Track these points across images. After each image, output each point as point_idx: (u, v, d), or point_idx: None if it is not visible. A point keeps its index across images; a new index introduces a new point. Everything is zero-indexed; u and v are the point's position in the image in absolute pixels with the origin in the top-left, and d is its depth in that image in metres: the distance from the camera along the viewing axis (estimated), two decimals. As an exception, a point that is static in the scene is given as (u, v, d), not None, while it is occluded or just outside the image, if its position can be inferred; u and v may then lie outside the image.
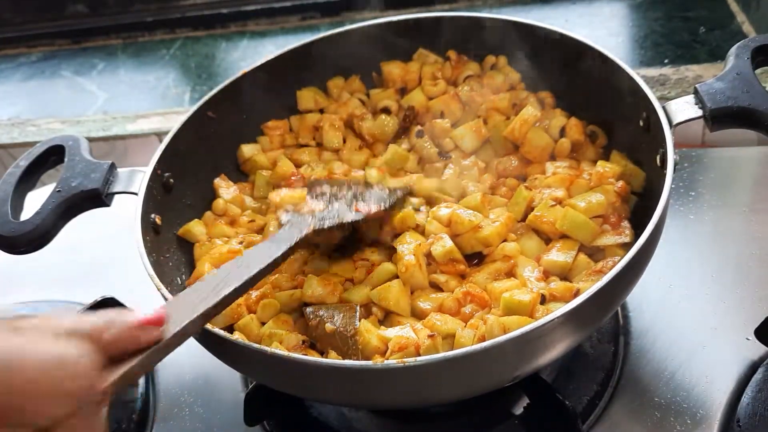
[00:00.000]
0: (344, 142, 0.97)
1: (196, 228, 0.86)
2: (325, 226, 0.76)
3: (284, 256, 0.70)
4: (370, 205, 0.80)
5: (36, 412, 0.38)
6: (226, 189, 0.91)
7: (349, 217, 0.77)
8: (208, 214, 0.89)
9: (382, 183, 0.87)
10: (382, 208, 0.80)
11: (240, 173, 0.97)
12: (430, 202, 0.85)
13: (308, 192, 0.83)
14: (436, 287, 0.77)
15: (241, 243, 0.83)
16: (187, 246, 0.86)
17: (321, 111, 1.00)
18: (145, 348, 0.49)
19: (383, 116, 0.96)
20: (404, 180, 0.87)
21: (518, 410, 0.78)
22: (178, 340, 0.54)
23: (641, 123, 0.80)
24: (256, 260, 0.66)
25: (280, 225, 0.77)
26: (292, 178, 0.90)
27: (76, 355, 0.40)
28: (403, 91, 1.01)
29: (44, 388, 0.38)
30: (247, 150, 0.95)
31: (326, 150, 0.97)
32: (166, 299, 0.69)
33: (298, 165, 0.95)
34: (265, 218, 0.89)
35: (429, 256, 0.77)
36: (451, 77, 0.99)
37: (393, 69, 1.00)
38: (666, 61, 1.21)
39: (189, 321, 0.55)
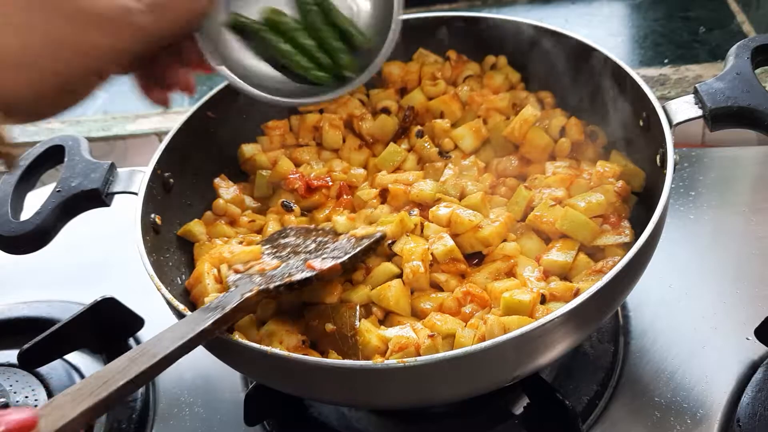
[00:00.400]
0: (344, 141, 0.97)
1: (196, 228, 0.86)
2: (271, 287, 0.68)
3: (210, 330, 0.62)
4: (327, 261, 0.72)
5: None
6: (226, 189, 0.91)
7: (299, 276, 0.70)
8: (208, 214, 0.89)
9: (350, 231, 0.79)
10: (342, 260, 0.72)
11: (240, 173, 0.97)
12: (426, 204, 0.84)
13: (266, 245, 0.78)
14: (436, 287, 0.77)
15: (241, 243, 0.84)
16: (187, 246, 0.86)
17: (321, 111, 1.00)
18: None
19: (383, 116, 0.96)
20: (372, 228, 0.80)
21: (518, 410, 0.78)
22: None
23: (641, 123, 0.80)
24: (169, 340, 0.60)
25: (227, 288, 0.72)
26: (291, 176, 0.90)
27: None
28: (402, 92, 1.01)
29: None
30: (248, 150, 0.96)
31: (326, 149, 0.97)
32: (166, 299, 0.69)
33: (298, 164, 0.95)
34: (264, 218, 0.89)
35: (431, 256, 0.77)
36: (451, 77, 0.99)
37: (393, 69, 1.00)
38: (666, 60, 1.21)
39: (74, 415, 0.51)
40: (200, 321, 0.63)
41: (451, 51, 0.99)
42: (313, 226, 0.86)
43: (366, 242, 0.76)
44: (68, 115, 1.42)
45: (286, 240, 0.80)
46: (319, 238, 0.79)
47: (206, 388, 0.88)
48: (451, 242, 0.76)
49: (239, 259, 0.76)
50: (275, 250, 0.78)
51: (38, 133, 1.38)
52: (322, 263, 0.72)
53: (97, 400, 0.53)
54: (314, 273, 0.71)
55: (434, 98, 0.97)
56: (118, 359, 0.57)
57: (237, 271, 0.74)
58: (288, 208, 0.88)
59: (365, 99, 1.01)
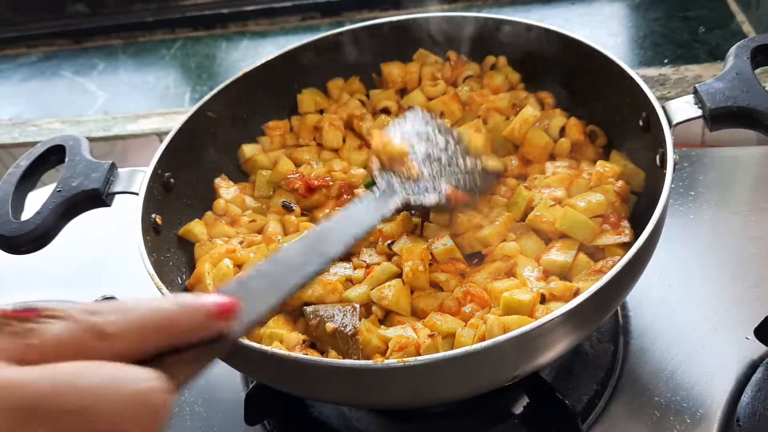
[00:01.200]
0: (344, 141, 0.97)
1: (196, 228, 0.86)
2: (421, 203, 0.70)
3: (366, 233, 0.64)
4: (469, 189, 0.74)
5: None
6: (227, 189, 0.91)
7: (434, 199, 0.71)
8: (208, 214, 0.89)
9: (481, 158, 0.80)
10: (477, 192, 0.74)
11: (240, 173, 0.97)
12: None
13: (412, 136, 0.76)
14: (436, 286, 0.77)
15: (241, 243, 0.84)
16: (187, 246, 0.86)
17: (321, 112, 1.00)
18: (212, 341, 0.40)
19: (383, 116, 0.97)
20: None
21: (518, 409, 0.79)
22: (246, 332, 0.45)
23: (641, 123, 0.80)
24: (338, 238, 0.59)
25: (371, 184, 0.72)
26: (291, 176, 0.91)
27: (152, 381, 0.34)
28: (402, 92, 1.01)
29: (126, 425, 0.33)
30: (248, 150, 0.96)
31: (326, 149, 0.97)
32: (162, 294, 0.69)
33: (298, 164, 0.95)
34: (265, 218, 0.89)
35: (430, 255, 0.77)
36: (451, 78, 0.99)
37: (393, 69, 1.00)
38: (666, 60, 1.21)
39: (264, 309, 0.46)
40: (369, 217, 0.63)
41: (451, 51, 0.99)
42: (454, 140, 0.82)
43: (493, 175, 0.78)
44: (69, 115, 1.42)
45: (426, 143, 0.77)
46: (456, 154, 0.78)
47: (207, 388, 0.88)
48: (450, 242, 0.76)
49: (388, 153, 0.74)
50: (418, 146, 0.76)
51: (39, 134, 1.39)
52: (455, 192, 0.73)
53: (280, 295, 0.49)
54: (448, 201, 0.72)
55: (434, 98, 0.97)
56: (291, 248, 0.54)
57: (382, 164, 0.73)
58: (288, 208, 0.88)
59: (365, 99, 1.01)
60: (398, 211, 0.70)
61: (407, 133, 0.78)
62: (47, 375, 0.31)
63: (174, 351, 0.38)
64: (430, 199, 0.71)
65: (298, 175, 0.90)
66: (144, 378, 0.33)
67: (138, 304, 0.36)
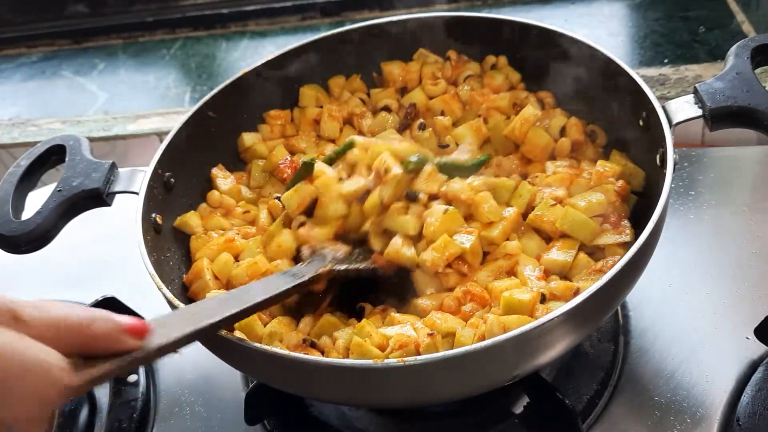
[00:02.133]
0: (341, 132, 0.98)
1: (192, 219, 0.86)
2: (341, 268, 0.75)
3: (291, 291, 0.70)
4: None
5: (3, 414, 0.37)
6: (224, 180, 0.91)
7: (363, 265, 0.77)
8: (203, 206, 0.89)
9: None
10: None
11: (238, 161, 0.97)
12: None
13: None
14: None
15: (237, 234, 0.84)
16: (187, 246, 0.86)
17: (321, 107, 1.00)
18: (121, 354, 0.47)
19: (384, 113, 0.97)
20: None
21: (518, 409, 0.79)
22: (156, 355, 0.52)
23: (641, 122, 0.80)
24: (260, 291, 0.67)
25: (301, 260, 0.78)
26: (281, 164, 0.91)
27: (57, 360, 0.39)
28: (403, 91, 1.01)
29: (19, 392, 0.37)
30: (248, 138, 0.96)
31: (324, 140, 0.97)
32: (167, 298, 0.69)
33: (294, 152, 0.95)
34: (257, 209, 0.89)
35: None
36: (452, 77, 0.99)
37: (393, 69, 1.00)
38: (666, 60, 1.21)
39: (177, 337, 0.54)
40: (284, 282, 0.70)
41: (451, 51, 1.00)
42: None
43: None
44: (69, 115, 1.42)
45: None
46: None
47: (207, 388, 0.88)
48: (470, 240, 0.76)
49: (315, 238, 0.81)
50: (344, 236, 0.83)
51: (39, 133, 1.39)
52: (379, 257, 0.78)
53: (196, 328, 0.56)
54: (375, 266, 0.77)
55: (435, 98, 0.97)
56: (207, 300, 0.63)
57: (312, 249, 0.80)
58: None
59: (366, 98, 1.01)
60: (339, 275, 0.76)
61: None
62: None
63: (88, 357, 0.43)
64: (355, 264, 0.77)
65: (288, 161, 0.91)
66: (50, 354, 0.37)
67: (57, 306, 0.41)
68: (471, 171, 0.84)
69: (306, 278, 0.72)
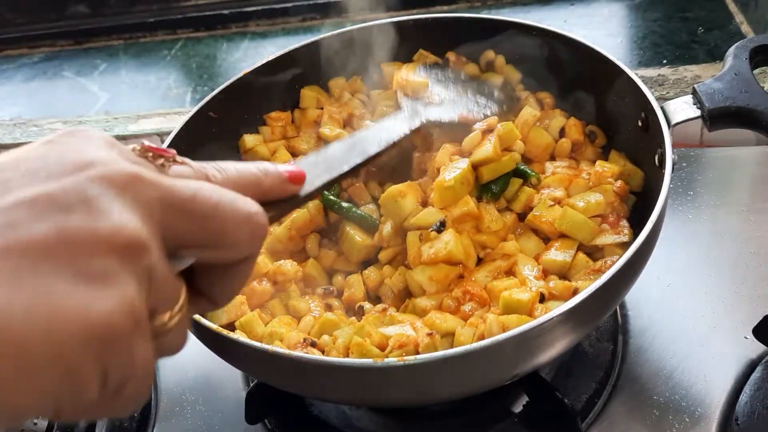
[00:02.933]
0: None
1: None
2: (440, 121, 0.81)
3: (400, 140, 0.73)
4: (480, 112, 0.86)
5: (227, 251, 0.41)
6: None
7: (452, 116, 0.83)
8: None
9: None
10: (491, 111, 0.86)
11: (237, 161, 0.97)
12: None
13: (431, 77, 0.90)
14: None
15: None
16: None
17: (321, 108, 1.01)
18: (283, 201, 0.51)
19: (383, 110, 0.97)
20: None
21: (517, 408, 0.79)
22: (306, 201, 0.56)
23: (640, 123, 0.80)
24: (375, 140, 0.69)
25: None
26: None
27: (261, 213, 0.43)
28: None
29: (234, 234, 0.40)
30: (249, 140, 0.96)
31: (324, 140, 0.98)
32: None
33: (295, 154, 0.96)
34: None
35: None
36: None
37: (393, 70, 1.01)
38: (664, 61, 1.21)
39: (319, 185, 0.56)
40: (394, 129, 0.73)
41: (450, 53, 1.00)
42: (466, 78, 0.96)
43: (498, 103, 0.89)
44: (70, 116, 1.43)
45: (445, 74, 0.93)
46: (472, 88, 0.92)
47: (208, 387, 0.88)
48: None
49: (412, 87, 0.88)
50: (438, 84, 0.90)
51: (40, 134, 1.39)
52: (469, 114, 0.85)
53: (331, 177, 0.58)
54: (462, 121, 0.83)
55: (434, 100, 0.97)
56: (335, 145, 0.64)
57: (406, 95, 0.86)
58: None
59: (366, 99, 1.01)
60: (424, 126, 0.80)
61: (425, 73, 0.92)
62: (191, 185, 0.39)
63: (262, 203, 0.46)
64: (447, 116, 0.83)
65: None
66: (249, 203, 0.42)
67: (231, 166, 0.45)
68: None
69: (418, 124, 0.77)
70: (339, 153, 0.63)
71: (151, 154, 0.41)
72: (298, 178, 0.51)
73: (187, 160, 0.43)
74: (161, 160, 0.41)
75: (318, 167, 0.59)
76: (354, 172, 0.64)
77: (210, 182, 0.42)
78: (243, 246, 0.41)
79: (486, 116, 0.84)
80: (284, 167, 0.50)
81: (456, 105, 0.87)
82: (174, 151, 0.42)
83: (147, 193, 0.36)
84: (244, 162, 0.48)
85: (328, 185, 0.58)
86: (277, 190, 0.49)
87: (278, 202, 0.50)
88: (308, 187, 0.54)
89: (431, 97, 0.86)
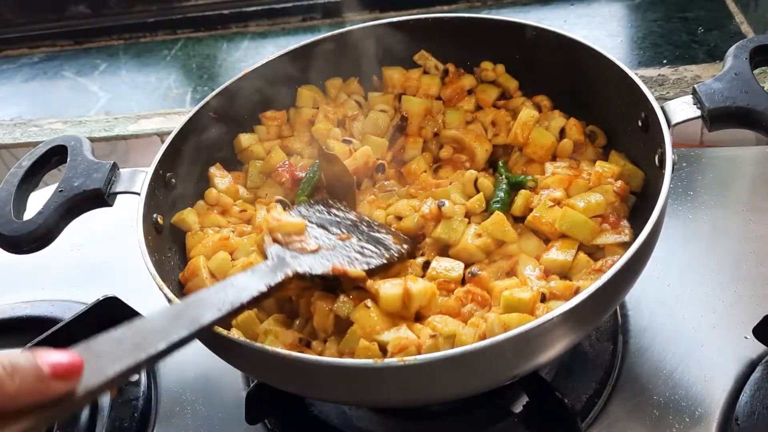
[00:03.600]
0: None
1: (189, 216, 0.86)
2: (308, 275, 0.69)
3: (253, 302, 0.63)
4: (363, 262, 0.74)
5: None
6: (221, 179, 0.92)
7: (324, 271, 0.71)
8: (200, 203, 0.89)
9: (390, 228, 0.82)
10: (367, 269, 0.73)
11: (235, 161, 0.97)
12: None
13: (311, 219, 0.78)
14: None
15: (232, 232, 0.84)
16: (183, 239, 0.86)
17: (317, 108, 1.01)
18: (47, 405, 0.38)
19: (377, 113, 0.97)
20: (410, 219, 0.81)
21: (518, 408, 0.79)
22: (91, 398, 0.43)
23: (640, 123, 0.80)
24: (215, 304, 0.58)
25: (264, 257, 0.72)
26: (279, 169, 0.91)
27: None
28: (401, 98, 1.01)
29: None
30: (245, 139, 0.96)
31: (317, 141, 0.98)
32: (168, 298, 0.69)
33: (290, 153, 0.96)
34: (254, 208, 0.90)
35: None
36: (447, 96, 0.99)
37: (393, 74, 1.01)
38: (664, 61, 1.21)
39: (113, 374, 0.44)
40: (246, 288, 0.62)
41: (450, 64, 1.00)
42: (358, 218, 0.83)
43: (404, 248, 0.78)
44: (70, 115, 1.43)
45: (325, 219, 0.79)
46: (357, 232, 0.79)
47: (208, 387, 0.88)
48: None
49: (284, 230, 0.74)
50: (318, 227, 0.77)
51: (41, 134, 1.39)
52: (349, 266, 0.73)
53: (134, 361, 0.46)
54: (338, 275, 0.71)
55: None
56: (157, 316, 0.53)
57: (276, 241, 0.72)
58: (284, 205, 0.89)
59: (362, 101, 1.01)
60: (291, 279, 0.68)
61: (303, 215, 0.80)
62: None
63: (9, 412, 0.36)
64: (319, 267, 0.71)
65: (286, 165, 0.91)
66: None
67: None
68: None
69: (265, 289, 0.64)
70: (160, 323, 0.51)
71: None
72: (69, 372, 0.38)
73: None
74: None
75: (121, 345, 0.46)
76: (177, 346, 0.51)
77: None
78: None
79: (368, 268, 0.73)
80: (48, 357, 0.37)
81: (335, 253, 0.74)
82: None
83: None
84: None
85: (132, 371, 0.45)
86: (34, 393, 0.36)
87: (42, 407, 0.37)
88: (96, 378, 0.41)
89: (306, 243, 0.73)
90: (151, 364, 0.49)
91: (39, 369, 0.37)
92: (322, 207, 0.83)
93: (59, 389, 0.38)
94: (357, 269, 0.72)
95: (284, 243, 0.72)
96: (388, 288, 0.70)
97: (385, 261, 0.76)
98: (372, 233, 0.80)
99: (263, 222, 0.76)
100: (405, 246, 0.79)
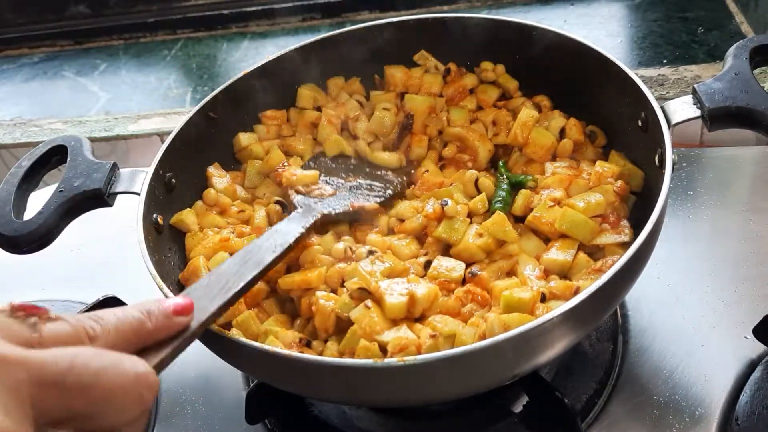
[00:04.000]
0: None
1: (189, 217, 0.86)
2: (333, 213, 0.82)
3: (296, 243, 0.74)
4: (375, 197, 0.88)
5: (113, 417, 0.39)
6: (220, 179, 0.91)
7: (343, 209, 0.85)
8: (198, 204, 0.89)
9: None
10: (386, 196, 0.88)
11: (235, 161, 0.97)
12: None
13: (321, 173, 0.90)
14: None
15: (232, 233, 0.84)
16: (183, 240, 0.86)
17: (318, 109, 1.01)
18: (174, 337, 0.49)
19: (383, 112, 0.97)
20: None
21: (518, 408, 0.79)
22: (202, 329, 0.54)
23: (640, 123, 0.80)
24: (269, 248, 0.69)
25: (291, 206, 0.85)
26: (278, 169, 0.91)
27: (148, 372, 0.41)
28: (404, 97, 1.01)
29: (121, 400, 0.39)
30: (244, 139, 0.96)
31: (320, 144, 0.98)
32: (166, 296, 0.69)
33: (290, 153, 0.96)
34: (252, 208, 0.90)
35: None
36: (449, 95, 0.99)
37: (396, 73, 1.00)
38: (664, 61, 1.21)
39: (214, 309, 0.56)
40: (289, 231, 0.75)
41: (452, 63, 1.00)
42: (357, 162, 0.95)
43: (397, 185, 0.90)
44: (70, 116, 1.43)
45: (336, 169, 0.92)
46: (365, 174, 0.92)
47: (208, 387, 0.88)
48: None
49: (302, 182, 0.88)
50: (328, 176, 0.91)
51: (41, 134, 1.39)
52: (364, 201, 0.87)
53: (226, 298, 0.58)
54: (369, 205, 0.86)
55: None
56: (230, 263, 0.64)
57: (299, 192, 0.87)
58: (283, 206, 0.89)
59: (364, 101, 1.01)
60: (318, 221, 0.81)
61: (313, 168, 0.93)
62: (66, 355, 0.37)
63: (151, 345, 0.47)
64: (340, 207, 0.85)
65: (286, 167, 0.91)
66: (136, 363, 0.41)
67: (110, 313, 0.44)
68: None
69: (309, 225, 0.77)
70: (232, 268, 0.63)
71: (22, 314, 0.39)
72: (185, 310, 0.50)
73: (62, 315, 0.41)
74: (33, 319, 0.39)
75: (211, 289, 0.58)
76: (252, 284, 0.64)
77: (89, 341, 0.41)
78: (131, 410, 0.40)
79: (380, 201, 0.87)
80: (169, 301, 0.49)
81: (349, 194, 0.88)
82: (46, 309, 0.41)
83: (13, 374, 0.34)
84: (125, 307, 0.47)
85: (225, 306, 0.58)
86: (165, 328, 0.48)
87: (171, 339, 0.49)
88: (202, 315, 0.54)
89: (323, 189, 0.87)
90: (235, 300, 0.61)
91: (165, 309, 0.48)
92: (325, 159, 0.94)
93: (182, 323, 0.49)
94: (372, 203, 0.86)
95: (305, 193, 0.86)
96: (395, 298, 0.70)
97: (391, 192, 0.89)
98: (373, 172, 0.93)
99: (283, 179, 0.88)
100: (403, 178, 0.92)
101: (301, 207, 0.83)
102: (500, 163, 0.89)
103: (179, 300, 0.50)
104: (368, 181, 0.91)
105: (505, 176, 0.87)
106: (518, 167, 0.90)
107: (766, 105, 0.71)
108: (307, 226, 0.78)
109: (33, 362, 0.35)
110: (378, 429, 0.82)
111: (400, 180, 0.92)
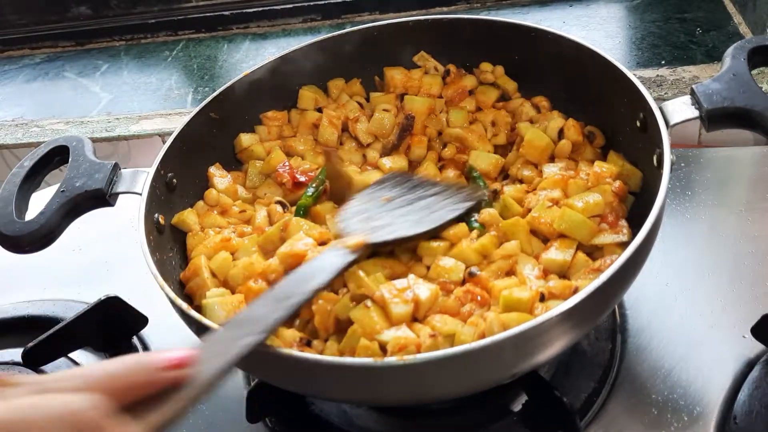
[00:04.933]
0: (341, 144, 0.98)
1: (190, 217, 0.86)
2: (380, 241, 0.74)
3: (334, 277, 0.69)
4: (435, 219, 0.79)
5: None
6: (221, 179, 0.92)
7: (408, 231, 0.77)
8: (199, 204, 0.89)
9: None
10: (447, 220, 0.79)
11: (236, 161, 0.98)
12: None
13: (373, 187, 0.84)
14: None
15: (233, 233, 0.85)
16: (184, 240, 0.87)
17: (319, 110, 1.01)
18: (171, 392, 0.44)
19: (383, 113, 0.97)
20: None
21: (517, 407, 0.79)
22: (214, 382, 0.48)
23: (638, 123, 0.81)
24: (300, 287, 0.64)
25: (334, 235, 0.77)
26: (279, 169, 0.91)
27: (83, 406, 0.39)
28: (403, 98, 1.01)
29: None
30: (246, 139, 0.96)
31: (321, 145, 0.98)
32: (169, 298, 0.70)
33: (291, 154, 0.96)
34: (254, 208, 0.90)
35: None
36: (448, 96, 0.99)
37: (395, 74, 1.01)
38: (663, 62, 1.22)
39: (227, 360, 0.49)
40: (333, 261, 0.69)
41: (451, 65, 1.00)
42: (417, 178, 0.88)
43: (459, 210, 0.81)
44: (72, 116, 1.43)
45: (391, 191, 0.84)
46: (424, 190, 0.84)
47: (209, 386, 0.88)
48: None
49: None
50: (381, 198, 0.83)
51: (42, 134, 1.40)
52: (430, 222, 0.78)
53: (248, 342, 0.54)
54: (423, 231, 0.77)
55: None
56: (257, 304, 0.59)
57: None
58: (284, 207, 0.89)
59: (364, 102, 1.02)
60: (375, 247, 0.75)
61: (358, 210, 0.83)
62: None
63: (143, 400, 0.43)
64: (406, 231, 0.77)
65: (287, 167, 0.91)
66: (73, 399, 0.38)
67: (93, 369, 0.42)
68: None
69: (345, 264, 0.69)
70: (257, 311, 0.58)
71: None
72: (181, 362, 0.45)
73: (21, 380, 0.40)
74: None
75: (227, 335, 0.53)
76: (280, 323, 0.59)
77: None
78: None
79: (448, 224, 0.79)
80: (162, 356, 0.44)
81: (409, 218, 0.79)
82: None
83: None
84: (113, 360, 0.44)
85: (245, 352, 0.51)
86: (154, 382, 0.43)
87: (170, 394, 0.44)
88: (213, 363, 0.47)
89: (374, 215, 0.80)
90: (261, 342, 0.56)
91: (155, 364, 0.44)
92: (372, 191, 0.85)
93: (176, 376, 0.45)
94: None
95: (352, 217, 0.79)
96: (400, 307, 0.71)
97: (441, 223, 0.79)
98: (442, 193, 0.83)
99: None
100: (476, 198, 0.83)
101: (345, 232, 0.76)
102: (474, 173, 0.89)
103: (173, 354, 0.45)
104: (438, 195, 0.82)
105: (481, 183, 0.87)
106: (517, 168, 0.90)
107: (764, 105, 0.72)
108: (346, 263, 0.71)
109: None
110: (378, 427, 0.82)
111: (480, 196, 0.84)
